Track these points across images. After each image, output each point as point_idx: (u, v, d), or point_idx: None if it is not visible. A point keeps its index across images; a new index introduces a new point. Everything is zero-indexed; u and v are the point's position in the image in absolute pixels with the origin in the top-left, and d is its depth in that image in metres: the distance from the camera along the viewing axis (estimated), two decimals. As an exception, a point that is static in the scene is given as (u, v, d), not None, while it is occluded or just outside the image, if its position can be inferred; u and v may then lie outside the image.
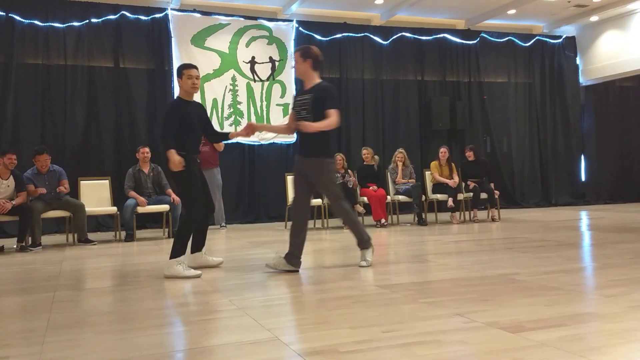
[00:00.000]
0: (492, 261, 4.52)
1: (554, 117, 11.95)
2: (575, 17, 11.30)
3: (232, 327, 2.69)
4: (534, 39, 11.88)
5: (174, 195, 7.40)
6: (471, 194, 8.59)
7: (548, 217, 8.80)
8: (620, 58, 11.24)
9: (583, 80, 12.11)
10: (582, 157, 12.10)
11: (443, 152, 8.77)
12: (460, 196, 8.64)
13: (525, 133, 11.74)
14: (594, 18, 11.26)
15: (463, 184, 8.80)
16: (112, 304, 3.38)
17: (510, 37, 11.69)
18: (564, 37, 12.07)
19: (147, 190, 7.42)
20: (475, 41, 11.40)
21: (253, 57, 9.90)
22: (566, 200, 11.75)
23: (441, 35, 11.19)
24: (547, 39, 11.99)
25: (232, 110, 9.71)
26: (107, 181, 7.68)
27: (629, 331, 2.39)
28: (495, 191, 8.63)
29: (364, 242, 4.46)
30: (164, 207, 7.33)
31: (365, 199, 8.21)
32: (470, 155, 8.89)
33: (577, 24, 11.76)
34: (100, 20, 9.01)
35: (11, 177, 6.53)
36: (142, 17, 9.28)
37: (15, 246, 6.44)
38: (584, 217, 8.88)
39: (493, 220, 8.49)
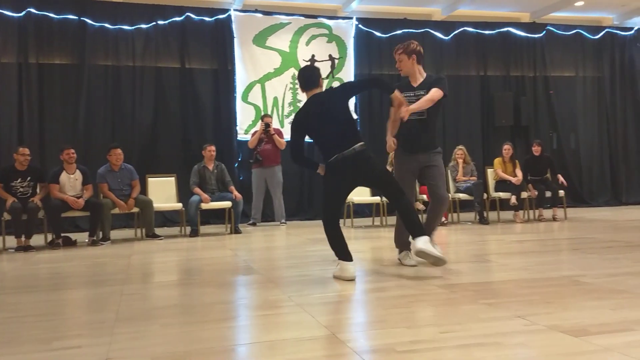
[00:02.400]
0: (556, 262, 4.38)
1: (625, 112, 11.40)
2: (648, 7, 10.73)
3: (291, 323, 2.75)
4: (604, 32, 11.35)
5: (236, 192, 7.60)
6: (536, 192, 8.33)
7: (618, 217, 8.41)
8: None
9: (656, 73, 11.49)
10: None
11: (507, 148, 8.55)
12: (524, 194, 8.40)
13: (594, 129, 11.26)
14: (670, 7, 10.66)
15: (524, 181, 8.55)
16: (177, 298, 3.51)
17: (578, 30, 11.23)
18: (635, 28, 11.48)
19: (211, 186, 7.65)
20: (540, 35, 11.02)
21: (313, 56, 9.99)
22: (637, 199, 11.18)
23: (505, 29, 10.89)
24: (618, 31, 11.43)
25: (292, 108, 9.84)
26: (173, 178, 7.96)
27: (703, 340, 2.27)
28: (563, 182, 8.31)
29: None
30: (227, 204, 7.53)
31: (425, 197, 8.12)
32: (537, 150, 8.60)
33: (651, 14, 11.15)
34: (166, 22, 9.35)
35: (78, 171, 6.90)
36: (206, 18, 9.55)
37: (87, 240, 6.80)
38: (657, 217, 8.42)
39: (554, 219, 8.22)
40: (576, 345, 2.21)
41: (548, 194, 8.31)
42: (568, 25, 11.21)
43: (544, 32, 11.04)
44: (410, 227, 3.85)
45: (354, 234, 7.28)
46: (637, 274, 3.79)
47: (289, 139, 4.36)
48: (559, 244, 5.57)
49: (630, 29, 11.49)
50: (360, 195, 8.30)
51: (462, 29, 10.69)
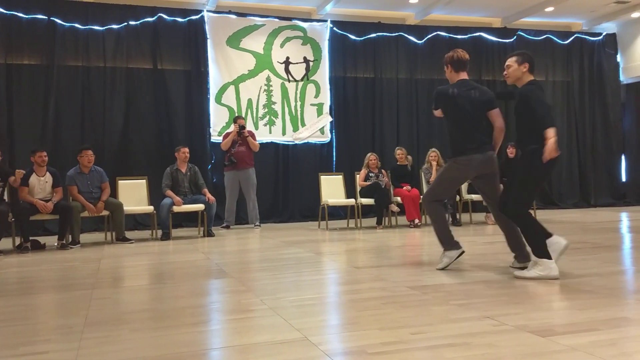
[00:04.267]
0: (526, 264, 4.45)
1: (594, 116, 11.67)
2: (616, 14, 10.99)
3: (263, 326, 2.74)
4: (573, 37, 11.61)
5: (209, 195, 7.54)
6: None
7: (586, 219, 8.60)
8: (664, 55, 10.89)
9: (624, 78, 11.78)
10: (623, 156, 11.78)
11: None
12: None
13: (563, 132, 11.48)
14: (635, 14, 10.94)
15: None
16: (148, 302, 3.47)
17: (548, 35, 11.46)
18: (604, 34, 11.76)
19: (184, 189, 7.58)
20: (511, 40, 11.22)
21: (287, 58, 9.99)
22: (606, 201, 11.45)
23: (477, 34, 11.06)
24: (587, 37, 11.70)
25: (266, 110, 9.82)
26: (144, 181, 7.86)
27: (664, 338, 2.34)
28: None
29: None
30: (199, 207, 7.47)
31: (399, 199, 8.19)
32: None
33: (618, 21, 11.44)
34: (138, 22, 9.24)
35: (48, 173, 6.78)
36: (179, 19, 9.47)
37: (56, 244, 6.67)
38: (624, 218, 8.63)
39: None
40: (543, 345, 2.25)
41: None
42: (538, 30, 11.43)
43: (515, 37, 11.23)
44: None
45: (328, 236, 7.29)
46: (604, 274, 3.88)
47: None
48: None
49: (599, 34, 11.77)
50: (335, 197, 8.33)
51: (435, 33, 10.81)
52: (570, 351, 2.16)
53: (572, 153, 11.52)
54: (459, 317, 2.75)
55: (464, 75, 4.40)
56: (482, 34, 11.08)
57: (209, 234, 7.50)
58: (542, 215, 9.14)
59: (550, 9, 10.50)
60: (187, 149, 7.77)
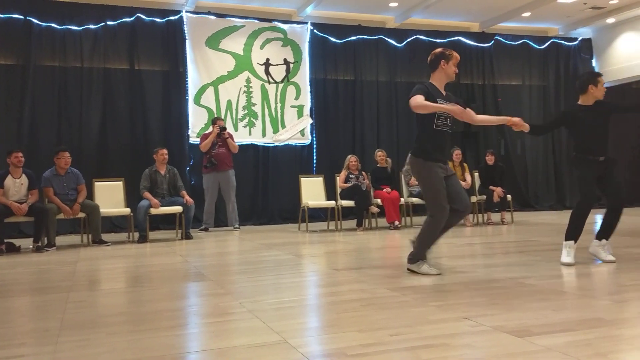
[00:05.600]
0: (503, 264, 4.51)
1: (570, 120, 11.84)
2: (591, 19, 11.20)
3: (242, 329, 2.73)
4: (549, 42, 11.80)
5: (187, 197, 7.48)
6: (484, 196, 8.57)
7: (562, 220, 8.69)
8: (637, 60, 11.12)
9: (599, 82, 11.99)
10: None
11: (457, 154, 8.75)
12: (474, 198, 8.62)
13: (539, 136, 11.65)
14: (610, 20, 11.16)
15: (476, 187, 8.80)
16: (125, 305, 3.43)
17: (524, 40, 11.63)
18: (579, 39, 11.97)
19: (162, 191, 7.50)
20: (489, 44, 11.35)
21: (267, 59, 9.97)
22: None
23: (455, 37, 11.17)
24: (563, 42, 11.90)
25: (246, 111, 9.79)
26: (121, 182, 7.76)
27: (637, 337, 2.38)
28: (500, 195, 8.54)
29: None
30: (177, 209, 7.40)
31: (379, 201, 8.22)
32: (491, 159, 8.84)
33: (593, 26, 11.66)
34: (116, 22, 9.14)
35: (24, 175, 6.66)
36: (157, 20, 9.39)
37: (31, 246, 6.55)
38: (598, 220, 8.78)
39: (502, 222, 8.48)
40: (519, 346, 2.28)
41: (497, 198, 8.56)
42: (515, 35, 11.59)
43: (493, 41, 11.37)
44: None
45: (308, 238, 7.29)
46: (579, 275, 3.94)
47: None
48: (506, 247, 5.74)
49: (575, 39, 11.98)
50: (316, 199, 8.33)
51: (414, 36, 10.89)
52: (545, 351, 2.19)
53: (547, 156, 11.70)
54: (438, 318, 2.77)
55: (430, 77, 4.36)
56: (461, 38, 11.20)
57: (187, 236, 7.43)
58: (519, 217, 9.27)
59: (527, 14, 10.66)
60: (165, 151, 7.70)
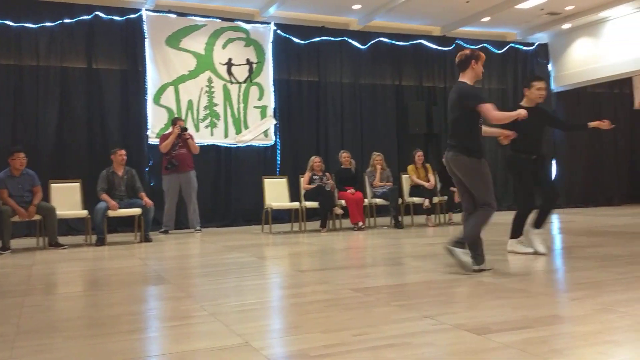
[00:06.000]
0: (463, 264, 4.58)
1: (526, 123, 12.15)
2: (547, 25, 11.52)
3: (203, 333, 2.69)
4: (508, 46, 12.08)
5: (146, 199, 7.33)
6: (446, 197, 8.71)
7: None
8: (591, 65, 11.49)
9: (555, 86, 12.35)
10: (554, 161, 12.33)
11: (419, 155, 8.87)
12: (436, 199, 8.75)
13: (497, 138, 11.90)
14: (566, 26, 11.49)
15: (438, 187, 8.93)
16: (82, 309, 3.34)
17: (484, 44, 11.85)
18: (536, 44, 12.30)
19: (120, 193, 7.34)
20: (450, 47, 11.54)
21: (230, 59, 9.89)
22: (538, 203, 11.94)
23: (418, 41, 11.32)
24: (520, 46, 12.20)
25: (208, 112, 9.67)
26: (78, 184, 7.57)
27: (592, 334, 2.45)
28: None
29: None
30: (136, 211, 7.25)
31: (343, 202, 8.24)
32: None
33: (550, 32, 11.98)
34: (73, 20, 8.91)
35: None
36: (116, 18, 9.20)
37: (-16, 250, 6.32)
38: (555, 220, 9.04)
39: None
40: (479, 343, 2.32)
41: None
42: (475, 39, 11.81)
43: (454, 45, 11.57)
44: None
45: (272, 240, 7.25)
46: (537, 273, 4.04)
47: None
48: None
49: (532, 44, 12.29)
50: (279, 200, 8.30)
51: (378, 39, 10.98)
52: (504, 348, 2.23)
53: (505, 158, 11.94)
54: (400, 317, 2.80)
55: (460, 77, 4.46)
56: (423, 41, 11.36)
57: (146, 239, 7.28)
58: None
59: (486, 19, 10.88)
60: (124, 151, 7.53)
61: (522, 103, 5.08)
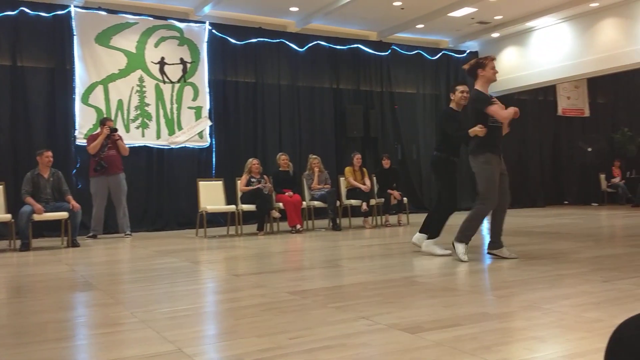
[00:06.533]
0: (398, 264, 4.67)
1: (459, 127, 12.56)
2: (478, 33, 11.97)
3: (133, 340, 2.59)
4: (441, 53, 12.45)
5: (73, 202, 7.02)
6: (382, 199, 8.86)
7: (452, 221, 9.18)
8: (518, 72, 12.02)
9: (484, 93, 12.81)
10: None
11: (358, 158, 8.96)
12: (373, 201, 8.88)
13: (432, 142, 12.22)
14: (495, 34, 11.98)
15: (375, 190, 9.07)
16: (6, 317, 3.16)
17: (418, 51, 12.18)
18: (467, 52, 12.74)
19: (46, 196, 6.99)
20: (386, 53, 11.77)
21: (162, 58, 9.64)
22: (468, 204, 12.24)
23: (355, 45, 11.46)
24: (453, 54, 12.61)
25: (139, 112, 9.39)
26: (1, 187, 7.16)
27: (518, 330, 2.55)
28: (396, 197, 8.88)
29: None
30: (63, 215, 6.93)
31: (281, 204, 8.21)
32: (387, 163, 9.16)
33: (480, 40, 12.46)
34: (-4, 15, 8.44)
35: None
36: (43, 14, 8.78)
37: None
38: (484, 220, 9.36)
39: (399, 224, 8.83)
40: (412, 342, 2.36)
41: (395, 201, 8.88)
42: (410, 45, 12.11)
43: (390, 50, 11.81)
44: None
45: (207, 244, 7.12)
46: (466, 272, 4.17)
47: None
48: (402, 248, 5.95)
49: (463, 51, 12.73)
50: (215, 203, 8.17)
51: (315, 42, 11.04)
52: (436, 346, 2.28)
53: (440, 161, 12.30)
54: (336, 319, 2.80)
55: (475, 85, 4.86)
56: (360, 46, 11.52)
57: (73, 244, 6.96)
58: (414, 219, 9.63)
59: (420, 25, 11.17)
60: (50, 153, 7.18)
61: (452, 106, 5.29)
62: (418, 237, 5.45)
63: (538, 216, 10.17)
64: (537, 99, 13.45)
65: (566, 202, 13.62)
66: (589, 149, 13.46)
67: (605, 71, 10.78)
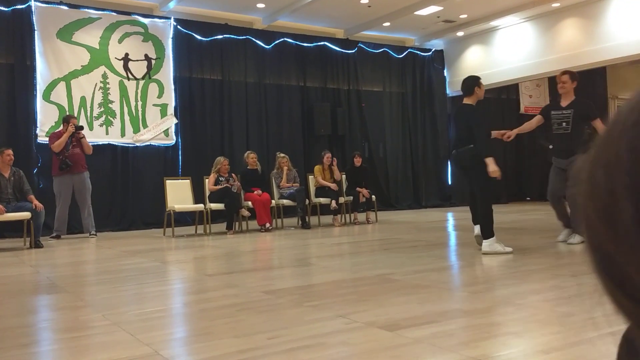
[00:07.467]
0: (370, 262, 4.69)
1: (424, 126, 12.73)
2: (443, 32, 12.11)
3: (106, 343, 2.52)
4: (407, 51, 12.55)
5: (36, 202, 6.80)
6: (351, 197, 8.89)
7: (419, 219, 9.32)
8: (482, 71, 12.15)
9: (450, 91, 13.01)
10: (449, 162, 13.00)
11: (328, 156, 8.95)
12: (342, 199, 8.90)
13: (398, 140, 12.37)
14: (460, 33, 12.15)
15: (344, 187, 9.10)
16: (-37, 325, 3.02)
17: (385, 49, 12.25)
18: (433, 50, 12.89)
19: (7, 196, 6.76)
20: (353, 50, 11.79)
21: (127, 54, 9.43)
22: (435, 202, 12.54)
23: (322, 43, 11.45)
24: (418, 52, 12.73)
25: (102, 109, 9.16)
26: (-43, 186, 6.88)
27: (493, 325, 2.59)
28: (365, 195, 8.93)
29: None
30: (25, 215, 6.70)
31: (250, 203, 8.14)
32: (358, 161, 9.18)
33: (445, 38, 12.61)
34: (-50, 7, 8.10)
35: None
36: (2, 8, 8.47)
37: None
38: (450, 218, 9.53)
39: (368, 222, 8.88)
40: (390, 339, 2.36)
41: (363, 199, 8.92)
42: (377, 43, 12.17)
43: (356, 48, 11.84)
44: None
45: (175, 243, 7.01)
46: (438, 269, 4.22)
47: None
48: (372, 245, 5.98)
49: (429, 50, 12.88)
50: (182, 202, 8.04)
51: (282, 39, 10.97)
52: (415, 343, 2.29)
53: (406, 159, 12.45)
54: (313, 318, 2.79)
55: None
56: (327, 43, 11.51)
57: (36, 245, 6.74)
58: (382, 216, 9.73)
59: (387, 24, 11.24)
60: (10, 151, 6.93)
61: (470, 102, 5.21)
62: (477, 229, 5.05)
63: (502, 212, 10.36)
64: (501, 97, 13.70)
65: (528, 199, 13.93)
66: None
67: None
